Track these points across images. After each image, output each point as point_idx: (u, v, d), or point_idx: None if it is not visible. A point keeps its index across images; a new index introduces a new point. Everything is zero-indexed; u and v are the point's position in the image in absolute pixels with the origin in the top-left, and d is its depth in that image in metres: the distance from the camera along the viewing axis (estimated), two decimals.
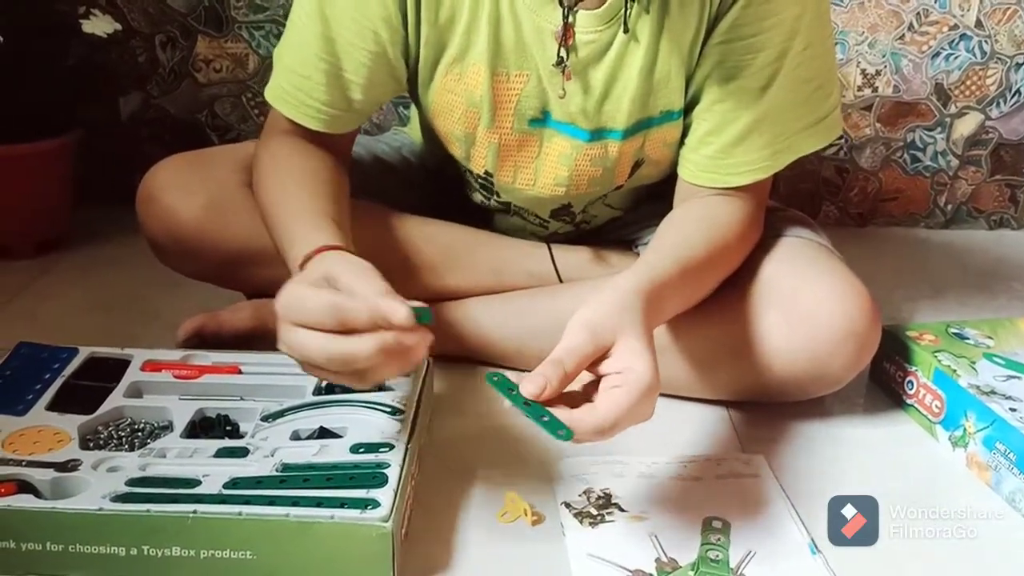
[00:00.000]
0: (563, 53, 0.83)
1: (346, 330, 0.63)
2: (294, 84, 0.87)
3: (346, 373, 0.65)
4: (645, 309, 0.70)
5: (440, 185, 1.05)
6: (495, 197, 0.98)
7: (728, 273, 0.86)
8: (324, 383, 0.84)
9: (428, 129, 0.97)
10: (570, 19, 0.82)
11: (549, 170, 0.91)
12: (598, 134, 0.88)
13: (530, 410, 0.63)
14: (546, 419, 0.63)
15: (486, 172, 0.94)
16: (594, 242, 1.04)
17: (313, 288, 0.65)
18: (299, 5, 0.86)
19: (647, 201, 1.02)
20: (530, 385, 0.63)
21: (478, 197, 1.00)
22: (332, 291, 0.65)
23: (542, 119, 0.88)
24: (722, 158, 0.86)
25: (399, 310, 0.62)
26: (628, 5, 0.81)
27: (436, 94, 0.89)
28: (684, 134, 0.90)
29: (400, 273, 0.89)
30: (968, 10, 1.37)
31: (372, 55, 0.85)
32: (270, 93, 0.90)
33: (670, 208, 0.94)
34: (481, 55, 0.85)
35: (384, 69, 0.87)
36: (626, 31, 0.82)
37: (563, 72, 0.84)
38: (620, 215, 1.02)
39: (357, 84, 0.87)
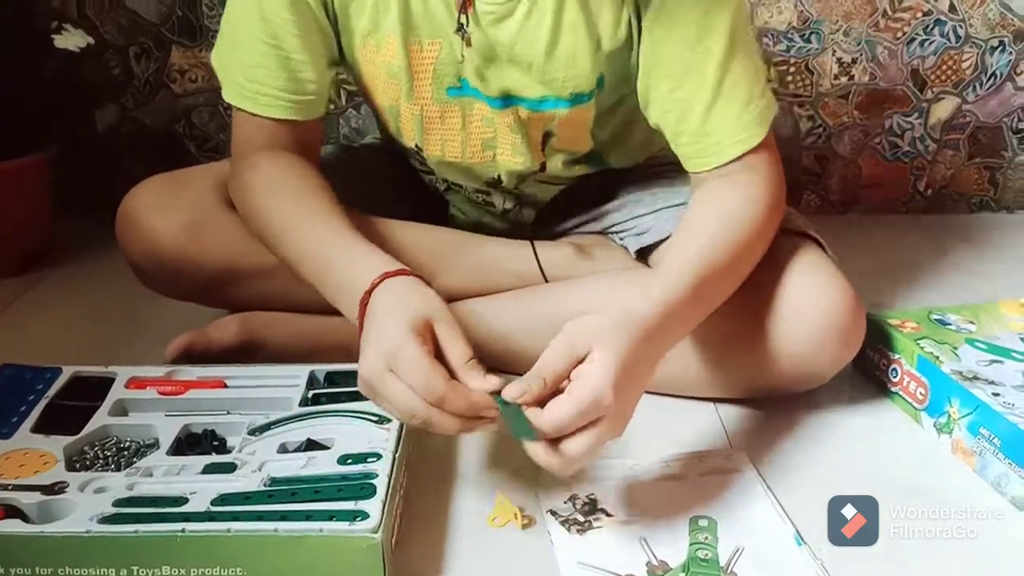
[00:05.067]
0: (463, 20, 0.84)
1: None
2: (247, 76, 0.89)
3: (409, 422, 0.69)
4: (641, 331, 0.69)
5: (404, 171, 1.06)
6: (434, 175, 0.99)
7: (757, 259, 0.83)
8: (311, 394, 0.84)
9: (372, 110, 0.99)
10: None
11: (475, 136, 0.92)
12: (508, 101, 0.89)
13: (507, 410, 0.66)
14: (518, 420, 0.66)
15: (416, 146, 0.95)
16: (575, 235, 1.04)
17: (424, 357, 0.67)
18: (232, 1, 0.89)
19: (613, 188, 1.03)
20: (512, 388, 0.66)
21: (426, 177, 1.02)
22: (442, 375, 0.67)
23: (459, 87, 0.89)
24: (701, 140, 0.85)
25: (493, 413, 0.68)
26: None
27: (360, 65, 0.91)
28: (613, 119, 0.92)
29: None
30: None
31: (303, 27, 0.87)
32: (229, 93, 0.91)
33: (638, 195, 0.97)
34: (393, 27, 0.86)
35: (318, 39, 0.89)
36: None
37: (463, 39, 0.85)
38: (562, 188, 1.02)
39: (302, 62, 0.88)
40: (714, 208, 0.83)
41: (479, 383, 0.68)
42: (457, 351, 0.70)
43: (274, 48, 0.88)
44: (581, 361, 0.67)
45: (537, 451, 0.66)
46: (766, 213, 0.83)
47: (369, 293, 0.74)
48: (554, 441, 0.66)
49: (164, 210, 0.93)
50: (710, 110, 0.84)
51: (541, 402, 0.66)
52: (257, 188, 0.89)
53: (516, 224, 1.04)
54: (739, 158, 0.84)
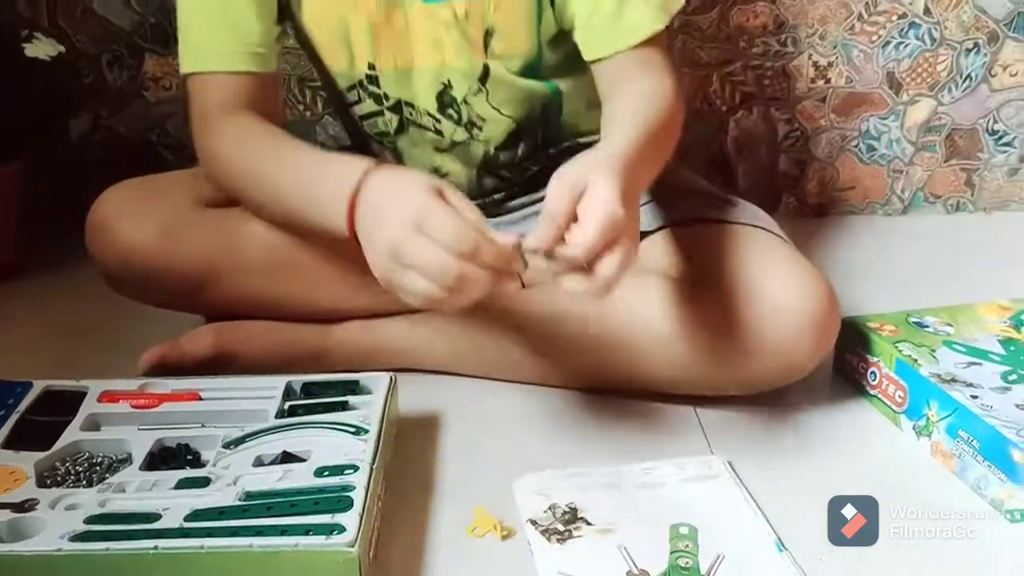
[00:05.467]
0: None
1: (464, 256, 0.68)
2: (199, 42, 0.91)
3: (439, 287, 0.68)
4: (624, 160, 0.73)
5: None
6: (386, 104, 0.98)
7: (675, 141, 0.88)
8: (287, 406, 0.83)
9: (326, 81, 1.00)
10: None
11: (421, 37, 0.93)
12: None
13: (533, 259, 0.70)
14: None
15: (370, 67, 0.95)
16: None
17: (453, 211, 0.69)
18: None
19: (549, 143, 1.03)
20: (530, 240, 0.69)
21: (379, 122, 1.00)
22: (470, 224, 0.69)
23: None
24: (613, 23, 0.89)
25: (521, 266, 0.70)
26: None
27: None
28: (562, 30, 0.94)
29: (361, 285, 0.90)
30: None
31: None
32: (184, 65, 0.92)
33: None
34: None
35: None
36: None
37: None
38: (514, 128, 1.00)
39: (250, 16, 0.91)
40: (632, 91, 0.87)
41: (500, 239, 0.70)
42: (472, 213, 0.71)
43: (222, 11, 0.90)
44: (581, 197, 0.69)
45: (575, 283, 0.69)
46: (674, 94, 0.88)
47: (363, 180, 0.75)
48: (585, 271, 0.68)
49: (136, 216, 0.92)
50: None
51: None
52: (223, 148, 0.89)
53: (467, 164, 1.02)
54: (646, 42, 0.89)
